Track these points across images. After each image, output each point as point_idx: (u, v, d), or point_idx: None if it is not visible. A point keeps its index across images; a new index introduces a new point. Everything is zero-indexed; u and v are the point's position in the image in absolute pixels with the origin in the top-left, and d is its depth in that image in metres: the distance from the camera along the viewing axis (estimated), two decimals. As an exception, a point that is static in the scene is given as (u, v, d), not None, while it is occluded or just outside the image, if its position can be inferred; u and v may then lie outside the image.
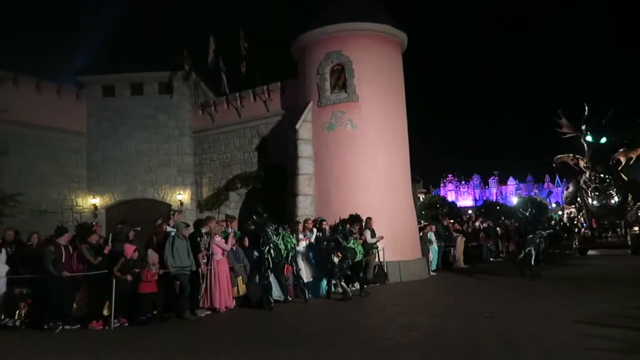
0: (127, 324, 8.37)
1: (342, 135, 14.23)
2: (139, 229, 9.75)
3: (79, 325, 8.23)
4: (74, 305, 8.42)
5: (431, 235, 15.49)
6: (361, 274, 11.24)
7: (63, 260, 8.24)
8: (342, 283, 10.31)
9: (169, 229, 9.59)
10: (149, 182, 19.66)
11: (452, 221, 20.18)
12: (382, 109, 14.40)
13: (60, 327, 8.01)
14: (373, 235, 12.07)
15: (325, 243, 10.65)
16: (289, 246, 9.84)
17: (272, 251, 9.41)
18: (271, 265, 9.45)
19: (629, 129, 19.52)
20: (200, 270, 9.21)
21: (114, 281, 8.14)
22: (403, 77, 15.61)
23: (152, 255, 8.70)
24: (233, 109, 18.96)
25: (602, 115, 19.19)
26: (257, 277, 9.70)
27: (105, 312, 8.32)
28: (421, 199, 34.62)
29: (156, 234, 9.59)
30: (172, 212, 10.51)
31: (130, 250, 8.49)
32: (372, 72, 14.40)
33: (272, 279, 9.65)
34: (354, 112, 14.22)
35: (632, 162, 19.74)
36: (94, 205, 19.23)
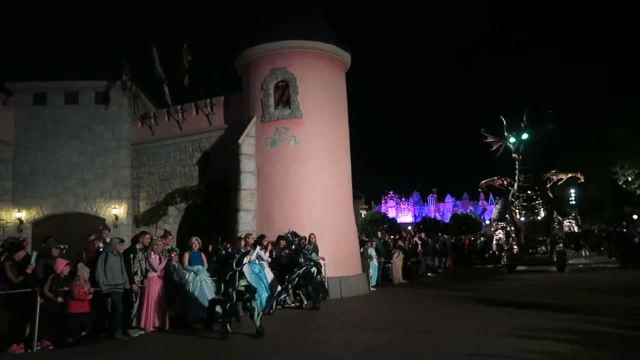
0: (52, 347, 7.83)
1: (286, 151, 14.25)
2: (66, 246, 9.01)
3: (-4, 350, 7.63)
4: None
5: (371, 251, 15.74)
6: (310, 288, 11.33)
7: (-20, 279, 7.64)
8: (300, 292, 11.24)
9: (100, 244, 9.10)
10: (81, 195, 18.72)
11: (392, 237, 20.64)
12: (326, 126, 14.58)
13: (-25, 352, 7.41)
14: (317, 251, 12.08)
15: (299, 257, 11.18)
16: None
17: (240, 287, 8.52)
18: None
19: (545, 122, 20.77)
20: (132, 288, 8.79)
21: (39, 300, 7.62)
22: (346, 96, 15.93)
23: (83, 269, 8.17)
24: (174, 122, 18.49)
25: (519, 118, 20.39)
26: (198, 296, 9.36)
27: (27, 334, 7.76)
28: (363, 215, 35.19)
29: (86, 250, 9.09)
30: (101, 228, 9.83)
31: (61, 264, 7.97)
32: (316, 89, 14.58)
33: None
34: (298, 129, 14.30)
35: (560, 182, 20.99)
36: (19, 219, 18.03)
